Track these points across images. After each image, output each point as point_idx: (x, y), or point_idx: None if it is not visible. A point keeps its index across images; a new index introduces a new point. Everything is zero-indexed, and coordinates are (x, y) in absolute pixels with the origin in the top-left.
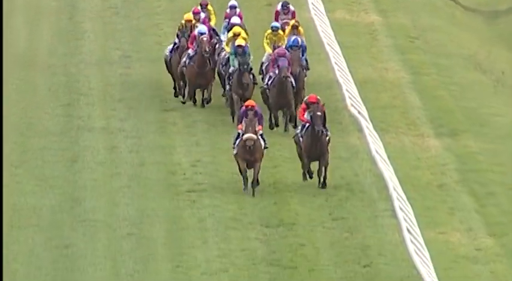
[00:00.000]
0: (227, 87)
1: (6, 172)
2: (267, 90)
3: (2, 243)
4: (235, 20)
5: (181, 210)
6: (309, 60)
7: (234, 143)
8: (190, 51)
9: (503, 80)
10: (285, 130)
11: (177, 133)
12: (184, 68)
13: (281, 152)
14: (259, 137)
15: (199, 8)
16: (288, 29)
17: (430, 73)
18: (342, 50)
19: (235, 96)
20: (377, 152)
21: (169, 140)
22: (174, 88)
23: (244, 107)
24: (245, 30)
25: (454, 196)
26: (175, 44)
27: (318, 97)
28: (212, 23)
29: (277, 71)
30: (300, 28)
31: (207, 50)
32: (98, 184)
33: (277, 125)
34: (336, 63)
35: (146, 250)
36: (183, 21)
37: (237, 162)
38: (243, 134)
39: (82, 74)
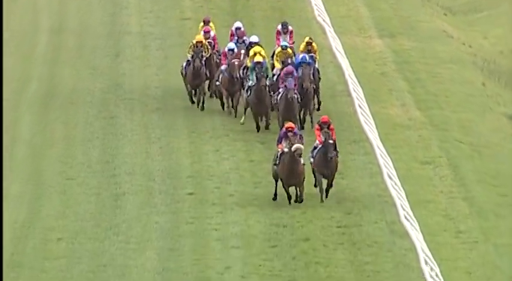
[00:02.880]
0: (246, 95)
1: (68, 63)
2: (277, 104)
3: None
4: (254, 38)
5: None
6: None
7: (275, 162)
8: (223, 67)
9: None
10: None
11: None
12: (218, 82)
13: None
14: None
15: (208, 26)
16: (302, 45)
17: None
18: None
19: (254, 111)
20: (336, 48)
21: (186, 39)
22: (191, 100)
23: (284, 129)
24: (262, 47)
25: (392, 81)
26: (188, 61)
27: (330, 119)
28: None
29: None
30: (313, 44)
31: (237, 76)
32: (135, 72)
33: None
34: None
35: (169, 120)
36: (194, 42)
37: (276, 179)
38: (288, 150)
39: None
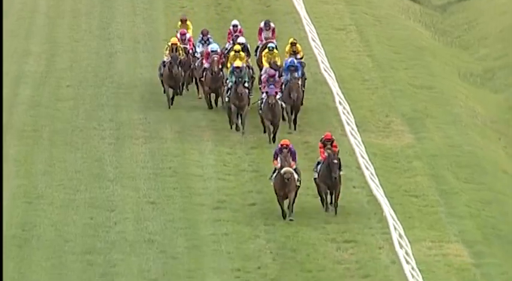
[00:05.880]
0: (226, 99)
1: None
2: (260, 111)
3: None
4: (241, 39)
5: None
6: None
7: (271, 177)
8: (206, 65)
9: None
10: (274, 141)
11: None
12: (203, 79)
13: None
14: (293, 171)
15: (184, 29)
16: (288, 46)
17: None
18: None
19: (233, 107)
20: None
21: None
22: (169, 100)
23: (279, 146)
24: (247, 49)
25: None
26: (163, 62)
27: (332, 136)
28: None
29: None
30: (297, 45)
31: (216, 69)
32: None
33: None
34: None
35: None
36: (170, 44)
37: (275, 193)
38: (279, 169)
39: None
